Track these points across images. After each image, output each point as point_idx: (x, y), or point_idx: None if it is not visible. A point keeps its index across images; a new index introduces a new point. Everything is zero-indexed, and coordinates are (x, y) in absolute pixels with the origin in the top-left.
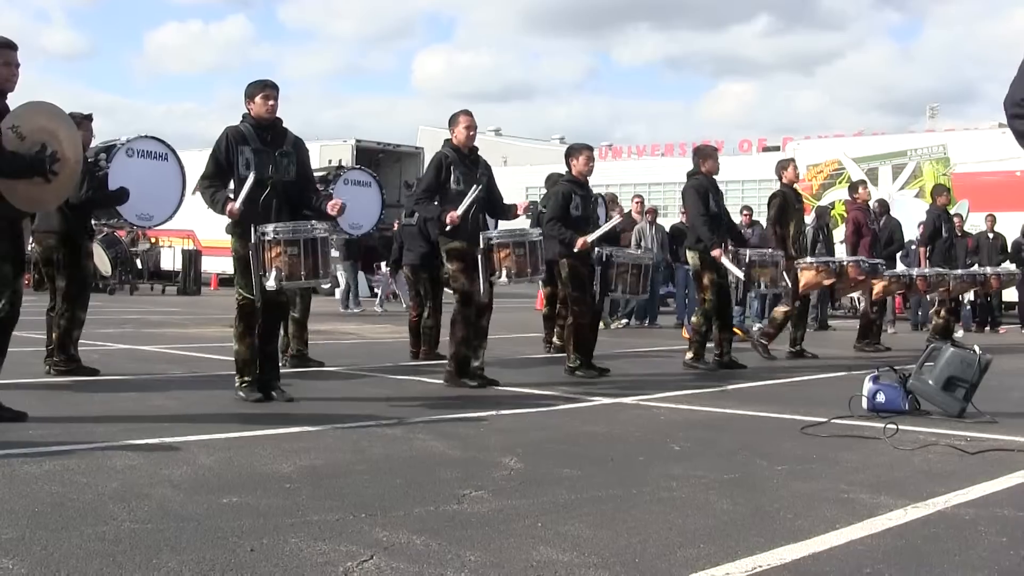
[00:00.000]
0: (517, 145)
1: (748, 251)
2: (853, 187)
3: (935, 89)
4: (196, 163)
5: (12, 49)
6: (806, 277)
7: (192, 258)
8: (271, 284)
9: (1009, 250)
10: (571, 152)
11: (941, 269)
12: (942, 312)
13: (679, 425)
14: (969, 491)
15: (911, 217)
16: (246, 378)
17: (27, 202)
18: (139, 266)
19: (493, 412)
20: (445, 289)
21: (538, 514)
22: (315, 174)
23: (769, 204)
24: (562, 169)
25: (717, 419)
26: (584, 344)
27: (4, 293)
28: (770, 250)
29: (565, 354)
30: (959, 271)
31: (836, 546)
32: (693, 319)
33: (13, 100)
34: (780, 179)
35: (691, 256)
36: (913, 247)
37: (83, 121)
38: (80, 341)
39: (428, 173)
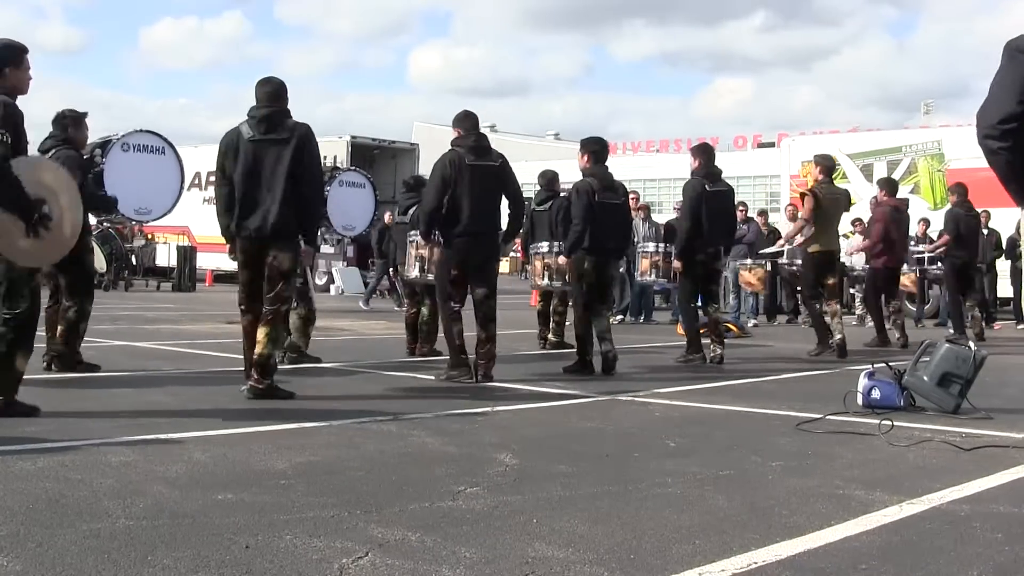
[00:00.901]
0: (512, 141)
1: None
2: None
3: (931, 85)
4: (192, 159)
5: (24, 53)
6: None
7: (187, 254)
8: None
9: (1004, 246)
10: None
11: None
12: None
13: (674, 421)
14: (964, 487)
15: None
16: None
17: (6, 248)
18: (134, 262)
19: (488, 408)
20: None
21: (533, 510)
22: None
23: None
24: (555, 165)
25: (712, 415)
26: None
27: (23, 291)
28: None
29: (573, 347)
30: None
31: (831, 542)
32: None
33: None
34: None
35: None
36: (922, 246)
37: (80, 120)
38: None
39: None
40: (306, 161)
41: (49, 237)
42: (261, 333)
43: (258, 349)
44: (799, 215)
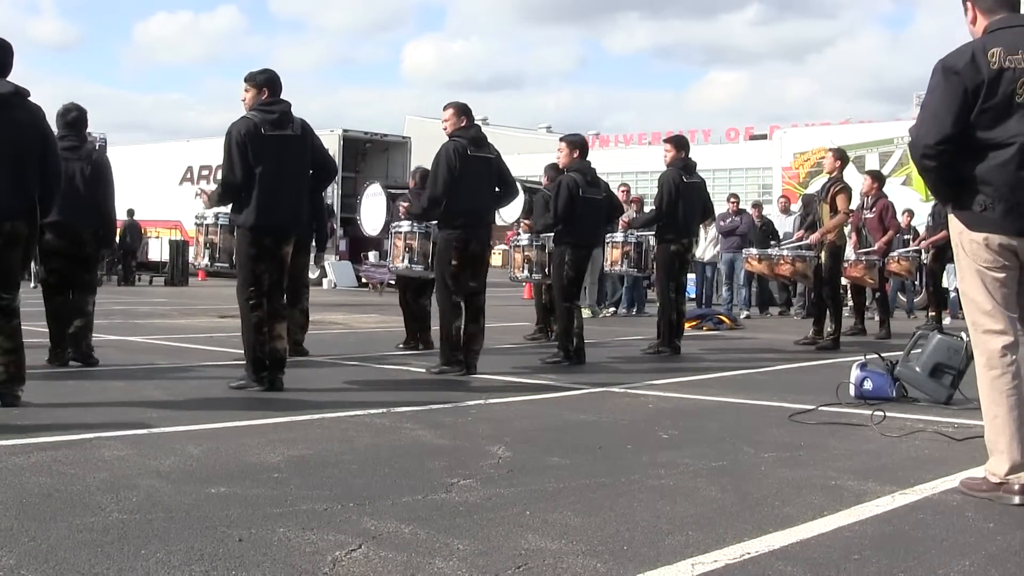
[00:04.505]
0: (505, 134)
1: None
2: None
3: (925, 76)
4: (183, 154)
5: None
6: None
7: (179, 249)
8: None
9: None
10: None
11: None
12: None
13: (667, 413)
14: (956, 477)
15: (897, 204)
16: None
17: None
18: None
19: (481, 401)
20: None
21: (526, 502)
22: None
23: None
24: (547, 158)
25: (705, 407)
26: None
27: (17, 279)
28: None
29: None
30: None
31: (824, 533)
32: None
33: None
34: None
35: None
36: (907, 236)
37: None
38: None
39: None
40: (322, 151)
41: None
42: (284, 328)
43: (284, 344)
44: (840, 210)
